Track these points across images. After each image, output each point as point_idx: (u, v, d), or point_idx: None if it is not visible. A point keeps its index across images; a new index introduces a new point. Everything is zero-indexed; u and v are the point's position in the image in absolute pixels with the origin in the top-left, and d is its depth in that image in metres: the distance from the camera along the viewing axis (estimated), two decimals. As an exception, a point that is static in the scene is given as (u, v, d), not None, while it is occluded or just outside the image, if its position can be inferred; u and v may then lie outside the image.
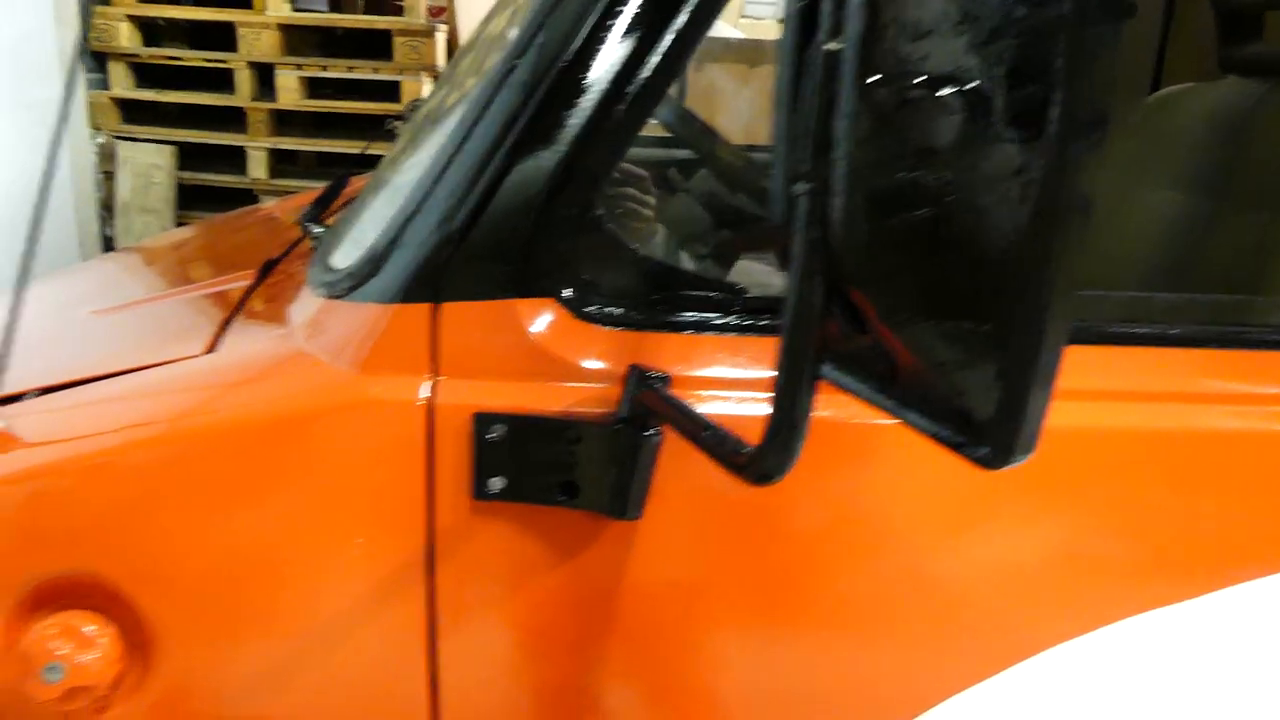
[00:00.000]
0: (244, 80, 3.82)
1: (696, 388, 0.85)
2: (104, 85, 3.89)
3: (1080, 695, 0.91)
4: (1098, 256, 1.64)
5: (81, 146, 3.83)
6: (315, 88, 3.90)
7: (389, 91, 3.81)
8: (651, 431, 0.82)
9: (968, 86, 0.47)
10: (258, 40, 3.78)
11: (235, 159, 3.90)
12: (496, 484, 0.85)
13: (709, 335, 0.86)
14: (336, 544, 0.87)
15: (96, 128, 3.88)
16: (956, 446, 0.52)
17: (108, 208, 3.93)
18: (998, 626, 0.90)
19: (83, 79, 3.77)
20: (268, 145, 3.87)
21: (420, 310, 0.87)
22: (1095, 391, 0.89)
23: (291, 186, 3.76)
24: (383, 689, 0.90)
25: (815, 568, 0.87)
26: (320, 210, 1.33)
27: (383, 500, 0.86)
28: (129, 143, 3.85)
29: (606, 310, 0.86)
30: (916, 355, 0.53)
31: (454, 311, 0.87)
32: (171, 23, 3.91)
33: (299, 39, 3.90)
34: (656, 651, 0.89)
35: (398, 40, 3.74)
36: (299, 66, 3.81)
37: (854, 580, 0.88)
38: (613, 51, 0.84)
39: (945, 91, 0.47)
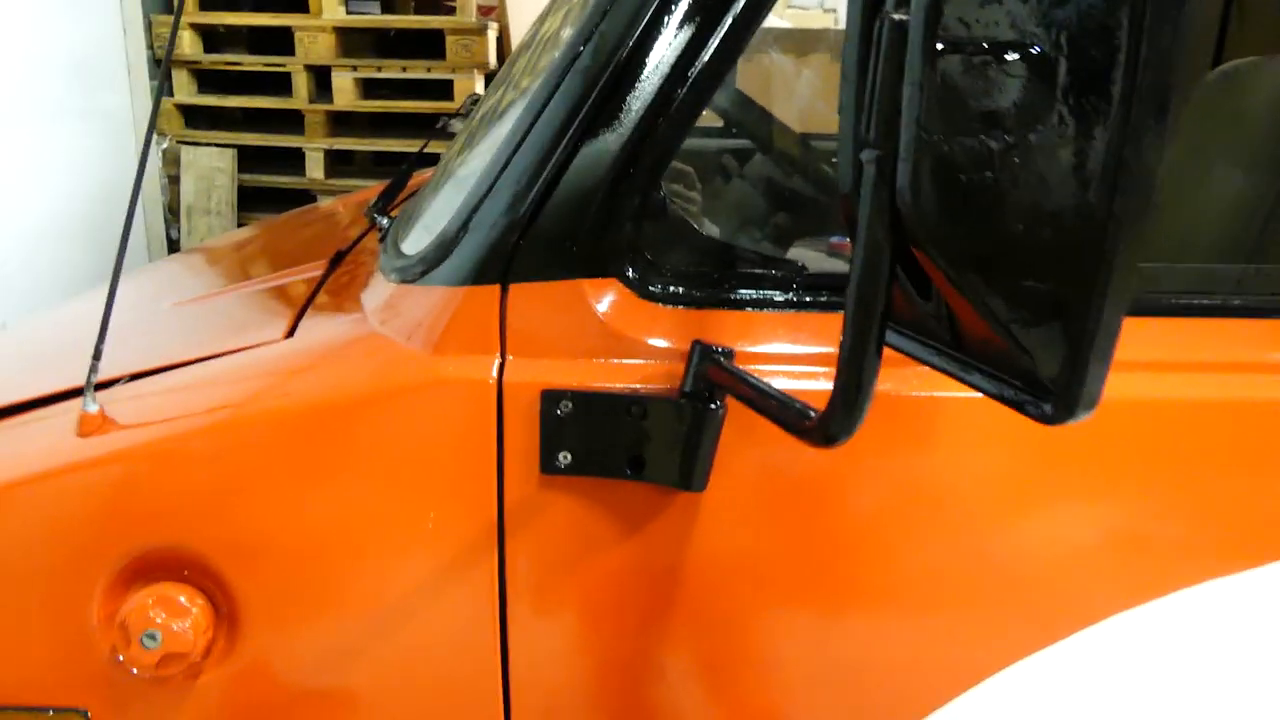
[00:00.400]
0: (301, 83, 3.91)
1: (758, 363, 0.87)
2: (167, 92, 4.01)
3: (1132, 668, 0.92)
4: (1160, 231, 1.63)
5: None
6: (370, 89, 3.98)
7: (443, 90, 3.87)
8: (716, 405, 0.84)
9: (1033, 52, 0.48)
10: (314, 43, 3.87)
11: (293, 160, 4.00)
12: (564, 459, 0.87)
13: (769, 312, 0.88)
14: (411, 520, 0.90)
15: (161, 133, 4.00)
16: (1020, 405, 0.54)
17: (173, 211, 4.05)
18: (1054, 600, 0.90)
19: (146, 86, 3.89)
20: (325, 146, 3.96)
21: (489, 292, 0.90)
22: (1154, 362, 0.89)
23: (348, 186, 3.84)
24: (455, 662, 0.93)
25: (874, 541, 0.88)
26: (386, 202, 1.37)
27: (455, 477, 0.89)
28: (192, 147, 3.97)
29: (669, 289, 0.89)
30: (981, 316, 0.54)
31: (522, 292, 0.89)
32: (231, 29, 4.02)
33: (354, 41, 3.98)
34: (721, 624, 0.91)
35: (450, 39, 3.80)
36: (354, 68, 3.89)
37: (912, 554, 0.89)
38: (672, 39, 0.86)
39: (1010, 58, 0.49)
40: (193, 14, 3.92)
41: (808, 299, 0.89)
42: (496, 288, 0.90)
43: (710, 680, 0.94)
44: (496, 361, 0.89)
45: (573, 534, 0.90)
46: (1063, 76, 0.48)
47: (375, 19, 4.00)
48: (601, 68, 0.87)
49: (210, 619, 0.91)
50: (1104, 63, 0.48)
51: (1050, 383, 0.52)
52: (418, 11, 4.19)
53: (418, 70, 3.89)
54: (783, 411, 0.70)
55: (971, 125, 0.51)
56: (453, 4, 3.96)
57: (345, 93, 3.90)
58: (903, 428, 0.87)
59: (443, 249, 0.93)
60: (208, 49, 4.03)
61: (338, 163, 4.05)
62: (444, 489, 0.90)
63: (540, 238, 0.89)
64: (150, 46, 3.92)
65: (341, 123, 4.03)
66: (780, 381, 0.87)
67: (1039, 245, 0.51)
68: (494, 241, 0.89)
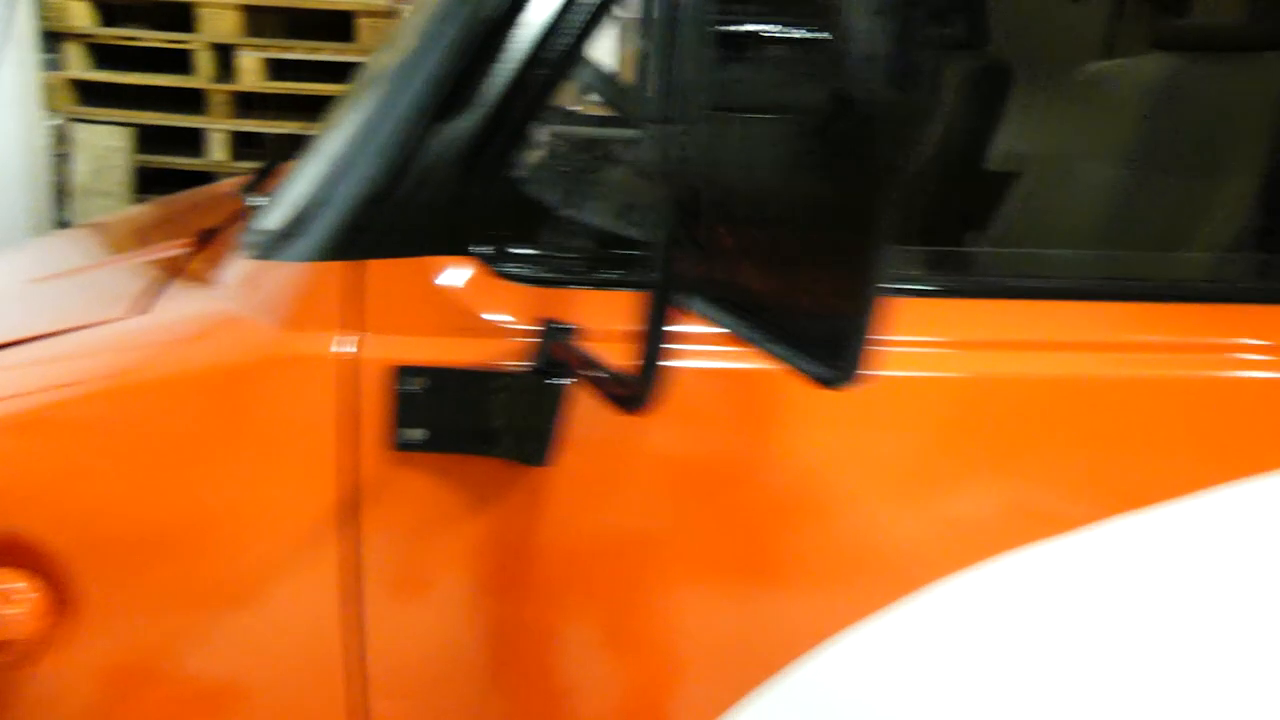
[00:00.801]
0: (204, 61, 3.79)
1: (609, 340, 0.88)
2: (58, 66, 3.85)
3: (959, 633, 0.96)
4: (1038, 220, 1.69)
5: (34, 128, 3.79)
6: (279, 69, 3.88)
7: (355, 73, 3.80)
8: (561, 381, 0.85)
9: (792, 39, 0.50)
10: (218, 21, 3.76)
11: (196, 142, 3.88)
12: (416, 435, 0.87)
13: (619, 291, 0.89)
14: (262, 499, 0.89)
15: (51, 109, 3.84)
16: (804, 372, 0.56)
17: (63, 191, 3.89)
18: (886, 567, 0.94)
19: (35, 59, 3.73)
20: (229, 127, 3.85)
21: (344, 268, 0.89)
22: (998, 342, 0.93)
23: (255, 169, 3.74)
24: (309, 644, 0.92)
25: (717, 513, 0.91)
26: (261, 181, 1.35)
27: (307, 454, 0.88)
28: (85, 125, 3.82)
29: (522, 268, 0.89)
30: (767, 286, 0.56)
31: (377, 269, 0.89)
32: (129, 3, 3.88)
33: (261, 20, 3.87)
34: (573, 597, 0.92)
35: (361, 21, 3.73)
36: (261, 48, 3.79)
37: (754, 522, 0.91)
38: (527, 19, 0.87)
39: (775, 43, 0.51)
40: (89, -14, 3.77)
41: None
42: (351, 264, 0.89)
43: (566, 652, 0.95)
44: (351, 338, 0.88)
45: (427, 510, 0.90)
46: (813, 68, 0.50)
47: (282, -2, 3.90)
48: (455, 49, 0.87)
49: (48, 605, 0.89)
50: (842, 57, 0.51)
51: (826, 352, 0.54)
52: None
53: (328, 52, 3.81)
54: (603, 384, 0.71)
55: (745, 106, 0.53)
56: (364, -15, 3.88)
57: (251, 73, 3.79)
58: (741, 404, 0.89)
59: (298, 225, 0.92)
60: (105, 22, 3.88)
61: (243, 145, 3.94)
62: (296, 466, 0.89)
63: (396, 214, 0.88)
64: (41, 17, 3.76)
65: (247, 104, 3.92)
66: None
67: (810, 222, 0.53)
68: (349, 217, 0.89)
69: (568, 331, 0.86)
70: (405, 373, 0.87)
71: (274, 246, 0.93)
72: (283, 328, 0.89)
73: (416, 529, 0.90)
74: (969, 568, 0.96)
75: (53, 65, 3.83)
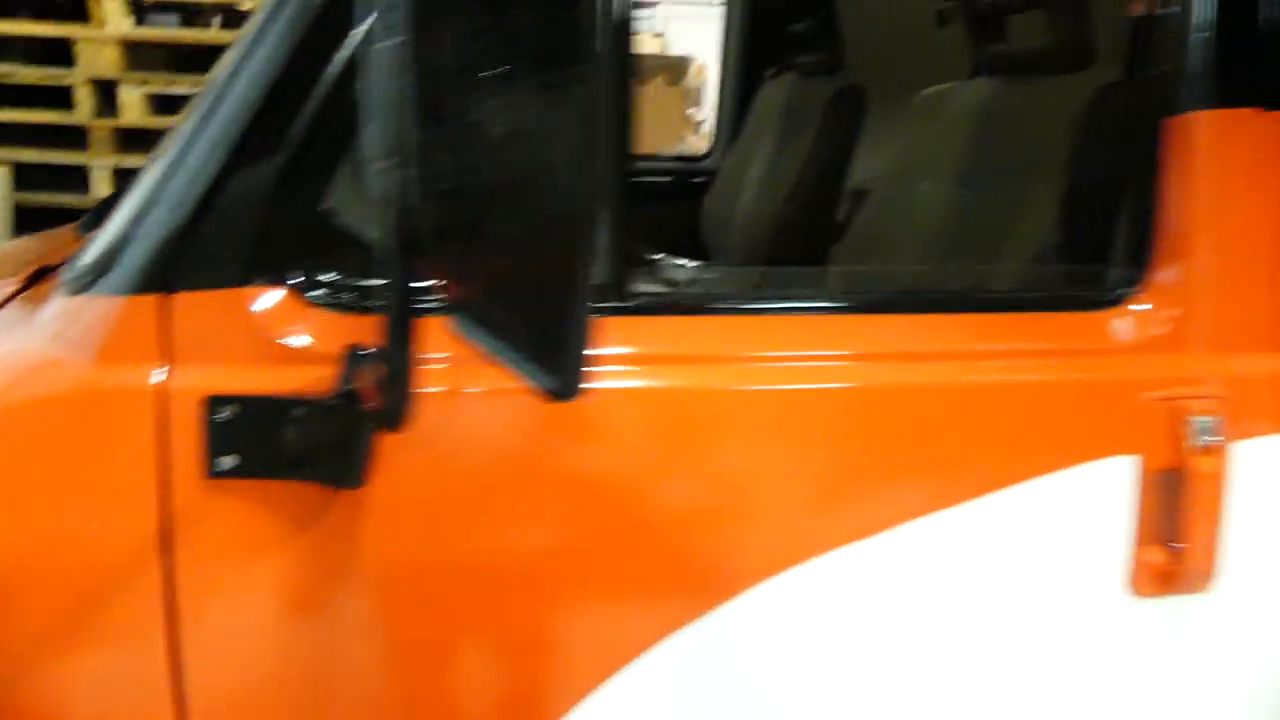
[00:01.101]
0: (84, 97, 3.73)
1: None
2: (-68, 104, 3.75)
3: (784, 630, 1.01)
4: (872, 237, 1.78)
5: (-95, 167, 3.68)
6: (163, 105, 3.83)
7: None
8: (367, 405, 0.88)
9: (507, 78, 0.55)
10: (97, 56, 3.70)
11: (79, 179, 3.80)
12: (228, 462, 0.90)
13: (424, 317, 0.92)
14: (75, 532, 0.90)
15: (-75, 148, 3.73)
16: (536, 387, 0.61)
17: (-60, 232, 3.78)
18: (714, 564, 0.99)
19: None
20: (112, 164, 3.78)
21: (152, 301, 0.91)
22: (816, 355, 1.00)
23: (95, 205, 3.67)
24: (127, 674, 0.93)
25: (529, 527, 0.95)
26: (99, 217, 1.35)
27: (119, 485, 0.90)
28: (-39, 163, 3.72)
29: (330, 296, 0.92)
30: (501, 310, 0.61)
31: (186, 301, 0.91)
32: (4, 38, 3.79)
33: (144, 55, 3.83)
34: (389, 616, 0.95)
35: (245, 55, 3.70)
36: (144, 83, 3.74)
37: (566, 535, 0.95)
38: (328, 59, 0.90)
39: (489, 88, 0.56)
40: (-40, 23, 3.68)
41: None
42: (159, 296, 0.91)
43: (382, 671, 0.97)
44: (161, 370, 0.90)
45: (242, 535, 0.92)
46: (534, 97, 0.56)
47: (165, 32, 3.86)
48: (261, 85, 0.91)
49: None
50: None
51: (552, 370, 0.59)
52: (225, 26, 4.06)
53: (213, 86, 3.78)
54: (379, 407, 0.75)
55: (454, 145, 0.58)
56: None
57: (133, 108, 3.74)
58: (558, 420, 0.93)
59: (109, 259, 0.94)
60: (-21, 59, 3.79)
61: (127, 181, 3.87)
62: (108, 498, 0.90)
63: (204, 247, 0.91)
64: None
65: (131, 139, 3.86)
66: (435, 382, 0.92)
67: (520, 247, 0.58)
68: (156, 251, 0.91)
69: (371, 356, 0.89)
70: (215, 401, 0.89)
71: (85, 282, 0.95)
72: (95, 362, 0.91)
73: (233, 555, 0.92)
74: (796, 565, 1.01)
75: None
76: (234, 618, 0.93)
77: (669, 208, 2.86)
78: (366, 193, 0.63)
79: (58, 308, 0.98)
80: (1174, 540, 1.08)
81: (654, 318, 1.00)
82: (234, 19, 4.09)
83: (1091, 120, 1.30)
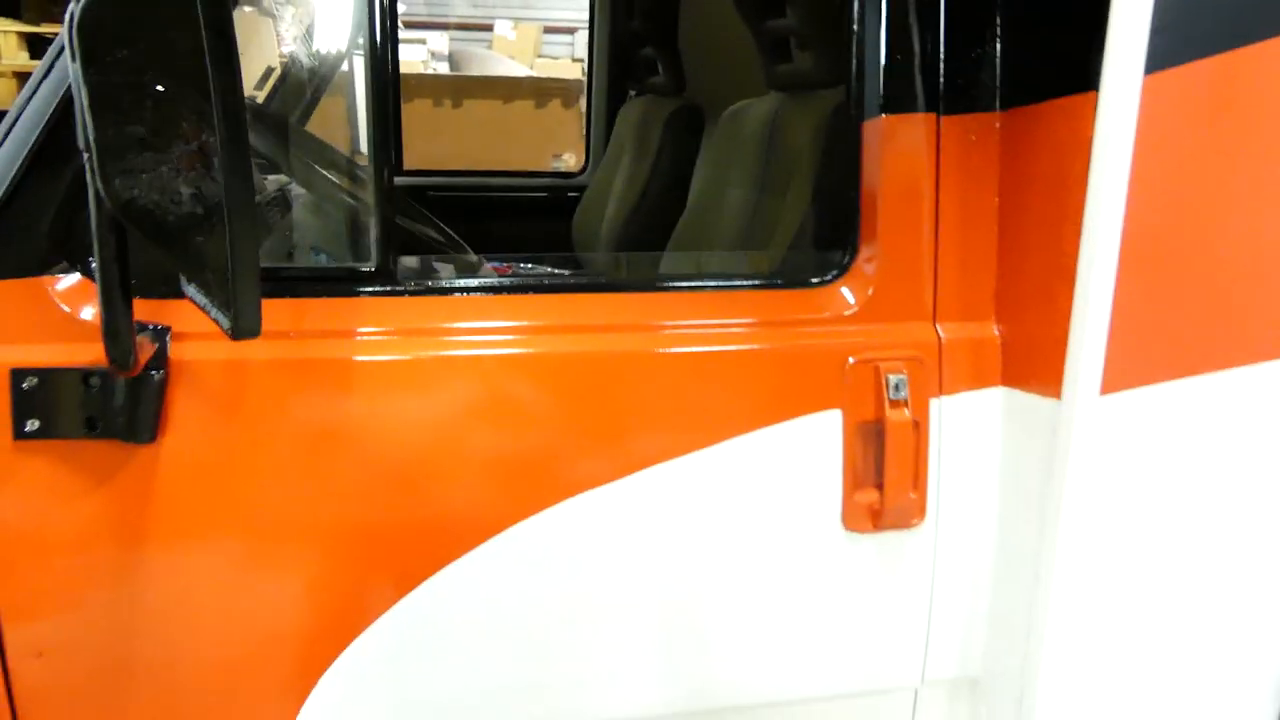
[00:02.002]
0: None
1: (193, 339, 1.08)
2: None
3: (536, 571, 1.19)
4: (692, 236, 1.98)
5: None
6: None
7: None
8: (156, 373, 1.04)
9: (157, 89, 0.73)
10: (-5, 87, 3.80)
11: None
12: (32, 425, 1.05)
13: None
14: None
15: None
16: (225, 329, 0.78)
17: None
18: (460, 513, 1.16)
19: None
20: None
21: (-38, 289, 1.06)
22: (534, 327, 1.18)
23: None
24: None
25: (292, 474, 1.11)
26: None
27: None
28: None
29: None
30: (201, 273, 0.79)
31: (-6, 288, 1.06)
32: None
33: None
34: (190, 560, 1.10)
35: None
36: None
37: (315, 492, 1.12)
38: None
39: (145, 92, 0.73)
40: None
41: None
42: (-31, 285, 1.06)
43: (189, 613, 1.12)
44: (-32, 346, 1.05)
45: (49, 493, 1.07)
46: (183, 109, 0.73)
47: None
48: (41, 109, 1.06)
49: None
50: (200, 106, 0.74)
51: (231, 317, 0.77)
52: None
53: (113, 114, 3.90)
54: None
55: (134, 139, 0.75)
56: None
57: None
58: (318, 380, 1.10)
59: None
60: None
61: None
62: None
63: (7, 241, 1.06)
64: None
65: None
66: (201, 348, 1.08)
67: (197, 228, 0.76)
68: (-39, 246, 1.06)
69: (159, 331, 1.05)
70: (17, 373, 1.04)
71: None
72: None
73: (43, 509, 1.07)
74: (548, 506, 1.19)
75: None
76: (43, 569, 1.08)
77: (552, 221, 3.05)
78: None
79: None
80: (879, 483, 1.28)
81: (413, 298, 1.17)
82: None
83: (829, 130, 1.51)
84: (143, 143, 0.75)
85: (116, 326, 0.84)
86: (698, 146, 2.42)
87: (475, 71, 5.73)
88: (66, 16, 0.73)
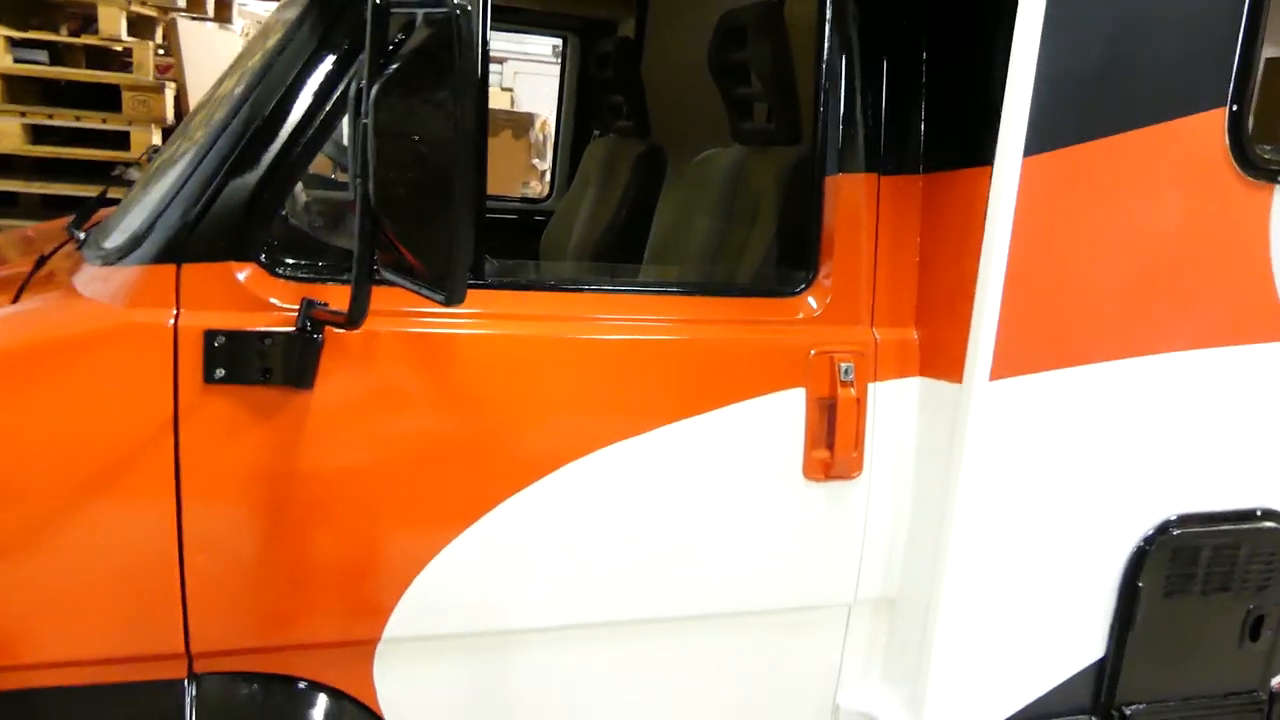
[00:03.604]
0: (-38, 125, 3.97)
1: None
2: None
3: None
4: (662, 257, 2.40)
5: None
6: (40, 135, 4.11)
7: (119, 140, 4.09)
8: (315, 335, 1.40)
9: (415, 140, 1.12)
10: (-24, 88, 3.96)
11: (-47, 200, 4.02)
12: (220, 372, 1.39)
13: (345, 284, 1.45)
14: (117, 416, 1.37)
15: None
16: (433, 298, 1.17)
17: None
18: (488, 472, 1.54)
19: None
20: (-12, 188, 4.02)
21: (168, 269, 1.40)
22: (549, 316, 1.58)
23: (10, 226, 3.93)
24: (140, 544, 1.39)
25: (415, 425, 1.48)
26: (80, 224, 1.80)
27: (148, 389, 1.37)
28: None
29: (288, 269, 1.44)
30: (417, 258, 1.17)
31: (191, 270, 1.40)
32: (-118, 67, 3.99)
33: (21, 88, 4.10)
34: (328, 476, 1.45)
35: (126, 94, 4.06)
36: (23, 114, 4.02)
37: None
38: (298, 109, 1.43)
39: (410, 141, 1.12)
40: None
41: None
42: (173, 266, 1.40)
43: (321, 526, 1.47)
44: (172, 311, 1.39)
45: (229, 424, 1.41)
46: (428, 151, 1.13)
47: (45, 69, 4.15)
48: (247, 121, 1.42)
49: None
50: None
51: (443, 288, 1.15)
52: (90, 64, 4.38)
53: (92, 120, 4.10)
54: (333, 319, 1.29)
55: (395, 171, 1.14)
56: (129, 60, 4.21)
57: (10, 137, 4.01)
58: (432, 350, 1.48)
59: (136, 241, 1.42)
60: None
61: (1, 204, 4.12)
62: (140, 398, 1.37)
63: (203, 235, 1.41)
64: None
65: (7, 166, 4.12)
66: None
67: (424, 222, 1.15)
68: (170, 236, 1.40)
69: (320, 304, 1.41)
70: (210, 334, 1.38)
71: (117, 256, 1.42)
72: (130, 306, 1.38)
73: (223, 439, 1.40)
74: (585, 456, 1.58)
75: None
76: (218, 482, 1.41)
77: (515, 241, 3.44)
78: (343, 198, 1.17)
79: (90, 274, 1.45)
80: (830, 443, 1.72)
81: (494, 291, 1.56)
82: (97, 56, 4.42)
83: (793, 177, 1.96)
84: (401, 174, 1.12)
85: (362, 294, 1.20)
86: (660, 183, 2.85)
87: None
88: (356, 97, 1.12)
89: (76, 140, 4.16)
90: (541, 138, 5.12)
